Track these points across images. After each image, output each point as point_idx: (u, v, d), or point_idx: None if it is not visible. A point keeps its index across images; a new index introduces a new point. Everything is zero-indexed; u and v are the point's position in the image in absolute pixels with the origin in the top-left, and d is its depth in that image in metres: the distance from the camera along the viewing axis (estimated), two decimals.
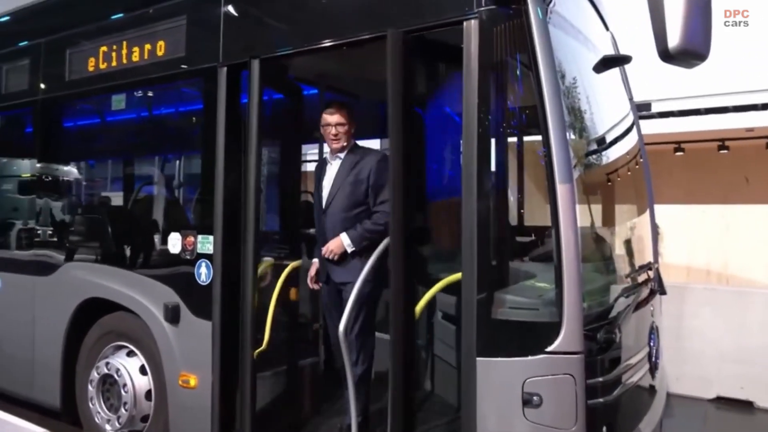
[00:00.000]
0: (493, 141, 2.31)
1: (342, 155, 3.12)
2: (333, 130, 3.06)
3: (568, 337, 2.13)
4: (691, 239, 8.25)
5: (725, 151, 8.02)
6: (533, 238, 3.04)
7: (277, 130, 3.57)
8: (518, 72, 2.36)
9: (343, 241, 2.98)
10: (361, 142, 3.27)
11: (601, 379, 2.30)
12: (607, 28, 3.61)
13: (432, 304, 3.79)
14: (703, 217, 8.50)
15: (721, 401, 4.93)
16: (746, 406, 4.82)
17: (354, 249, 2.97)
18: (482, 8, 2.29)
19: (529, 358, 2.17)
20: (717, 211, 8.44)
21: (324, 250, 3.02)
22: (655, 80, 5.93)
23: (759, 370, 4.76)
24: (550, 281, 2.44)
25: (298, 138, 3.87)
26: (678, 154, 8.16)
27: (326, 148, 3.31)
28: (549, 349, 2.15)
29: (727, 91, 6.77)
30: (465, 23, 2.31)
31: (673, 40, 2.09)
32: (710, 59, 2.27)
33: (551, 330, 2.16)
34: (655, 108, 7.09)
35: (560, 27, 2.53)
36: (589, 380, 2.19)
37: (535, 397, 2.14)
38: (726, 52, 5.47)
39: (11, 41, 4.23)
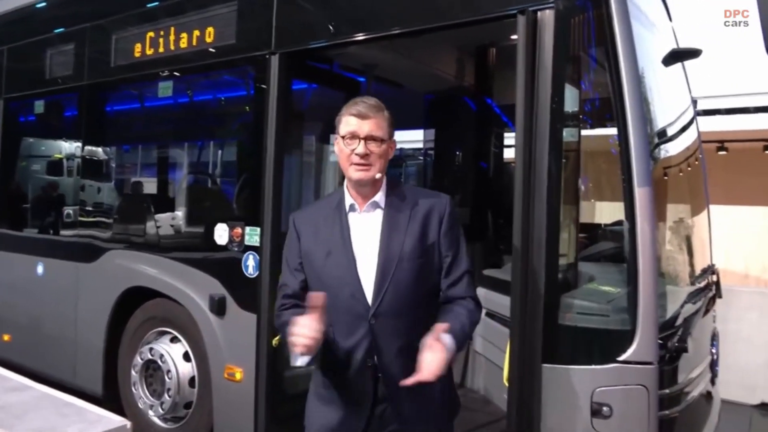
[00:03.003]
0: (564, 136, 2.21)
1: (380, 199, 1.77)
2: (361, 149, 1.69)
3: (642, 346, 2.04)
4: (729, 241, 7.99)
5: None
6: (592, 236, 2.92)
7: (330, 119, 3.49)
8: (595, 64, 2.25)
9: (448, 350, 1.61)
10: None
11: (669, 390, 2.20)
12: (670, 19, 3.45)
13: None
14: (743, 218, 8.23)
15: (766, 407, 4.79)
16: None
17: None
18: None
19: (600, 366, 2.08)
20: (759, 213, 8.18)
21: (425, 374, 1.57)
22: (703, 77, 5.72)
23: None
24: (614, 284, 2.35)
25: None
26: (720, 153, 7.90)
27: (344, 197, 1.81)
28: (621, 358, 2.06)
29: None
30: (539, 13, 2.20)
31: None
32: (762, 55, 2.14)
33: (623, 338, 2.07)
34: (701, 105, 6.85)
35: (635, 17, 2.40)
36: (660, 391, 2.10)
37: (605, 408, 2.04)
38: None
39: (57, 26, 4.22)
